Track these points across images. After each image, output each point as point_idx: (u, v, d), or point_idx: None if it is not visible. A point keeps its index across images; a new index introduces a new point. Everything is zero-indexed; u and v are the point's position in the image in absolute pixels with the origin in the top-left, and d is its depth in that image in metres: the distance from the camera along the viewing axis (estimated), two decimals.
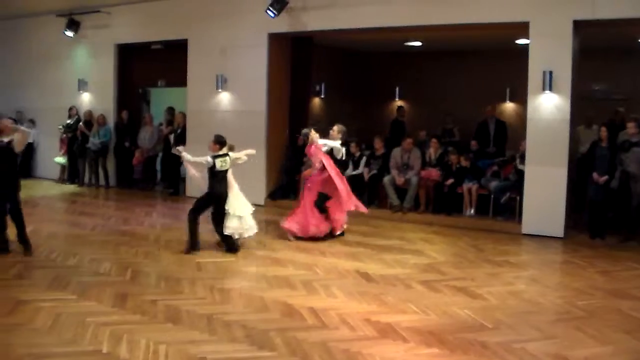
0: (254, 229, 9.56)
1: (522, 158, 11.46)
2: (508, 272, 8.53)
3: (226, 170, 9.33)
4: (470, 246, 10.17)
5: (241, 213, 9.39)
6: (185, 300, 6.83)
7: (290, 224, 10.34)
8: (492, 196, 11.96)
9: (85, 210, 12.96)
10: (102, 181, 16.21)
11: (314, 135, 10.31)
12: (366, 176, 12.98)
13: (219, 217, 9.28)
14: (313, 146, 10.31)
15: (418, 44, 16.16)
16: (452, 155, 12.53)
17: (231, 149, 9.65)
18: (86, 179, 16.55)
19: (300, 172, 13.66)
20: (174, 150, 10.26)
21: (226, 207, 9.24)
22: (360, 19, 12.50)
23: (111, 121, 16.31)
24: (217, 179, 9.18)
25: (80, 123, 16.31)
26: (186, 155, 9.31)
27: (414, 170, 12.60)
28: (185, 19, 14.66)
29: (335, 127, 10.73)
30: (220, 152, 9.27)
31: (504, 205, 11.84)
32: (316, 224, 10.27)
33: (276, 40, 13.81)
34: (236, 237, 9.41)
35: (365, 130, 16.56)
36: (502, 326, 6.21)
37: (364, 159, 13.28)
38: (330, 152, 10.52)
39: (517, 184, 11.55)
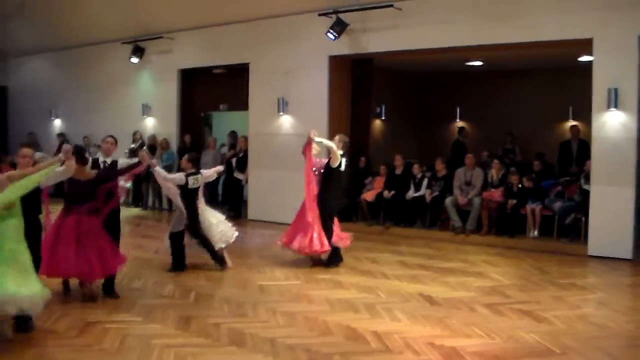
0: (234, 231, 9.92)
1: (587, 178, 11.22)
2: (574, 295, 8.33)
3: (198, 189, 9.46)
4: (534, 268, 9.98)
5: (215, 219, 9.75)
6: (248, 323, 6.86)
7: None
8: (557, 217, 11.73)
9: (149, 234, 13.16)
10: (165, 204, 16.49)
11: (312, 132, 9.81)
12: (428, 198, 12.89)
13: (202, 238, 9.41)
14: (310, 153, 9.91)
15: (479, 63, 16.04)
16: (513, 175, 12.34)
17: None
18: (150, 202, 16.89)
19: (361, 193, 13.66)
20: (148, 162, 8.94)
21: (200, 220, 9.40)
22: (421, 40, 12.48)
23: (174, 145, 16.61)
24: (190, 197, 9.28)
25: (144, 147, 16.64)
26: (161, 172, 9.25)
27: (476, 189, 12.47)
28: (247, 43, 14.87)
29: (337, 137, 10.27)
30: (193, 170, 9.36)
31: (568, 226, 11.59)
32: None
33: (337, 63, 13.89)
34: (223, 246, 9.62)
35: (426, 151, 16.52)
36: (570, 351, 6.05)
37: (426, 180, 13.19)
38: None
39: (582, 204, 11.30)
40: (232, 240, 9.83)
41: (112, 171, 8.22)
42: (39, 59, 21.36)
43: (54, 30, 19.35)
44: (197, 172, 9.46)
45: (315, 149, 9.99)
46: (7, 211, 6.20)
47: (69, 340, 6.29)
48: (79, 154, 7.61)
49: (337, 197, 10.08)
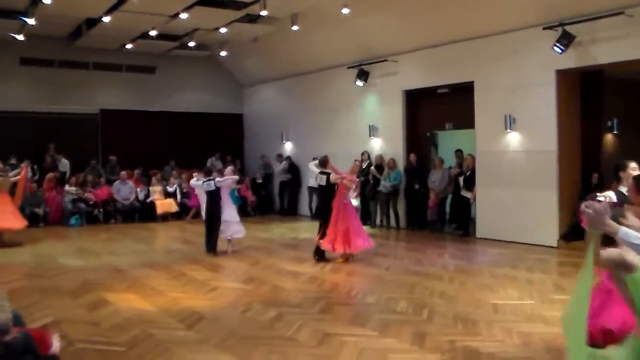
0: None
1: None
2: None
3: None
4: None
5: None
6: (483, 342, 6.80)
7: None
8: None
9: (379, 251, 13.39)
10: (392, 223, 16.79)
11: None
12: None
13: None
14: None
15: None
16: None
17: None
18: (378, 221, 17.28)
19: None
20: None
21: None
22: None
23: (401, 164, 16.90)
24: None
25: (372, 167, 17.11)
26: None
27: None
28: (471, 61, 14.82)
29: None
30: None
31: None
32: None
33: (564, 77, 13.41)
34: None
35: None
36: None
37: None
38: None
39: None
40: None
41: None
42: (270, 87, 22.82)
43: (282, 60, 20.57)
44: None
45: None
46: None
47: (309, 350, 6.63)
48: None
49: None
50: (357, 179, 12.82)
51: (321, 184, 12.41)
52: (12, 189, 14.48)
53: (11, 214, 13.99)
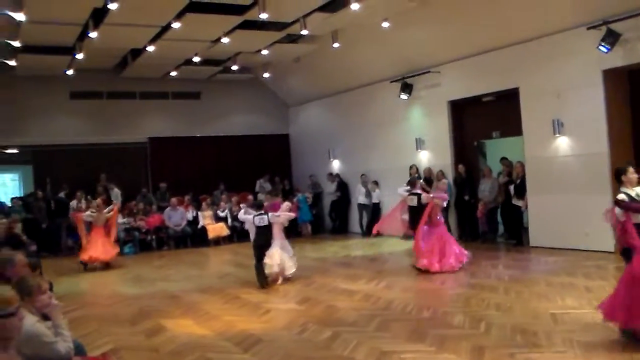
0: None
1: None
2: None
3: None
4: None
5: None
6: (544, 353, 6.64)
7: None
8: None
9: None
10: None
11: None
12: None
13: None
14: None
15: None
16: None
17: None
18: None
19: None
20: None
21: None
22: None
23: (450, 176, 16.76)
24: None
25: (421, 180, 16.97)
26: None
27: None
28: (514, 68, 14.66)
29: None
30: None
31: None
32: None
33: (611, 77, 13.12)
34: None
35: None
36: None
37: None
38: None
39: None
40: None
41: None
42: (314, 106, 22.93)
43: (325, 78, 20.65)
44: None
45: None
46: None
47: None
48: None
49: None
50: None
51: (412, 204, 12.63)
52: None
53: (102, 247, 15.34)
